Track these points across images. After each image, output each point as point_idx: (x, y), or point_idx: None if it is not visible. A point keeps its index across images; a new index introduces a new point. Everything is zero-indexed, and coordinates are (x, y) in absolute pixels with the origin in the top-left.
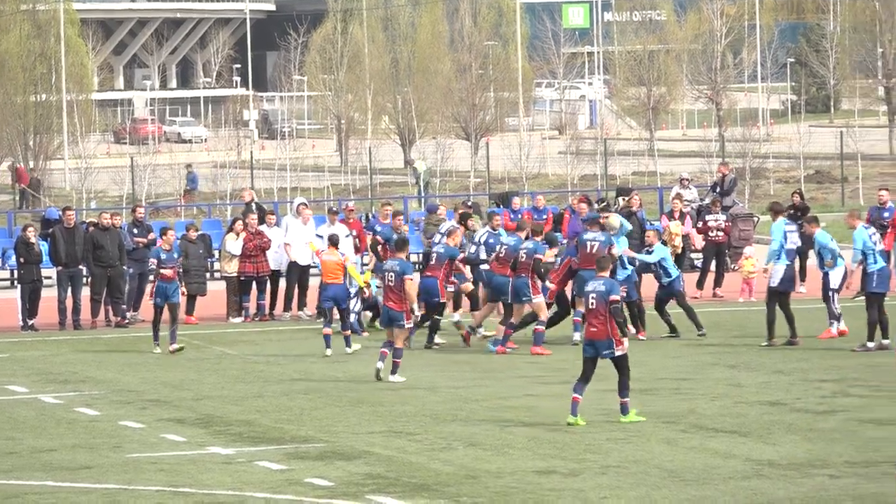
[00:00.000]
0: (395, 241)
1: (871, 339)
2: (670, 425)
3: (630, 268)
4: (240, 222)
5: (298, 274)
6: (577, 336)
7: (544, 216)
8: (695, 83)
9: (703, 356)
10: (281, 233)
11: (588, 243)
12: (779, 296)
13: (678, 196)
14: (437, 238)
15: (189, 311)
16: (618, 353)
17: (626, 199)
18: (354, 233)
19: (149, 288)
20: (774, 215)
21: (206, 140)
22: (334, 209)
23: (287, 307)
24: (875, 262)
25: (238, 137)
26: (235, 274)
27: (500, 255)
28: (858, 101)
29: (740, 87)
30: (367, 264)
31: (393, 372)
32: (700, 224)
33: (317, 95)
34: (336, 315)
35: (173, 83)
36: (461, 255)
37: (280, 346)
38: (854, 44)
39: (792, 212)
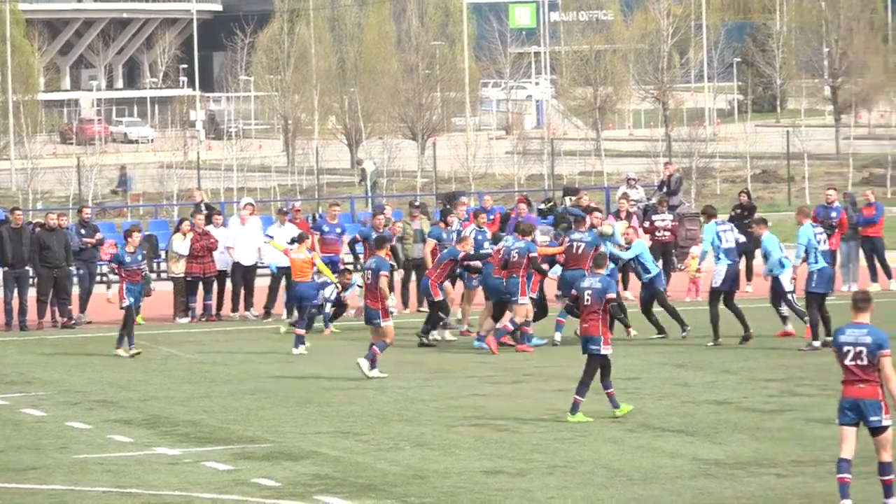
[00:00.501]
0: (374, 239)
1: (815, 338)
2: (617, 425)
3: (611, 265)
4: (187, 222)
5: (243, 274)
6: (557, 336)
7: (491, 216)
8: (641, 83)
9: (651, 356)
10: (227, 233)
11: (575, 244)
12: (723, 295)
13: (625, 196)
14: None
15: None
16: (603, 352)
17: (575, 198)
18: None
19: (113, 290)
20: (707, 218)
21: (152, 140)
22: (284, 209)
23: (234, 308)
24: (816, 262)
25: (185, 138)
26: (182, 274)
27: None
28: (804, 101)
29: (687, 86)
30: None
31: (371, 367)
32: (647, 224)
33: (263, 96)
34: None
35: (120, 83)
36: (462, 254)
37: (227, 346)
38: (800, 44)
39: (739, 211)
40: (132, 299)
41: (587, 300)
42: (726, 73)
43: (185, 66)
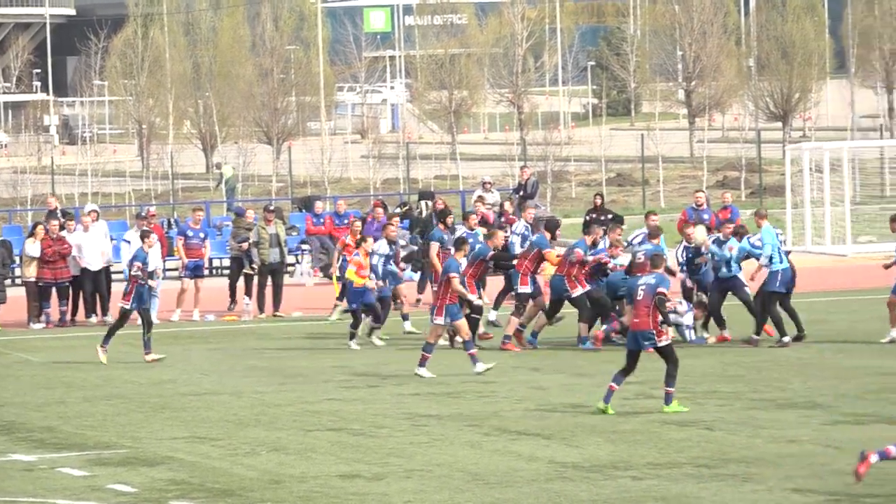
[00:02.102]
0: (454, 240)
1: (783, 333)
2: (474, 428)
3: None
4: (41, 226)
5: (92, 279)
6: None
7: (345, 221)
8: (496, 87)
9: (507, 359)
10: (77, 239)
11: (638, 253)
12: (781, 297)
13: (480, 199)
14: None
15: None
16: (660, 344)
17: (431, 203)
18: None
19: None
20: (761, 219)
21: (6, 146)
22: (143, 214)
23: (87, 314)
24: (781, 262)
25: (38, 143)
26: (34, 279)
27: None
28: (659, 105)
29: (541, 90)
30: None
31: (473, 363)
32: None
33: (118, 100)
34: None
35: None
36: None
37: (82, 352)
38: (654, 47)
39: (594, 215)
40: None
41: (640, 295)
42: (581, 76)
43: (39, 70)
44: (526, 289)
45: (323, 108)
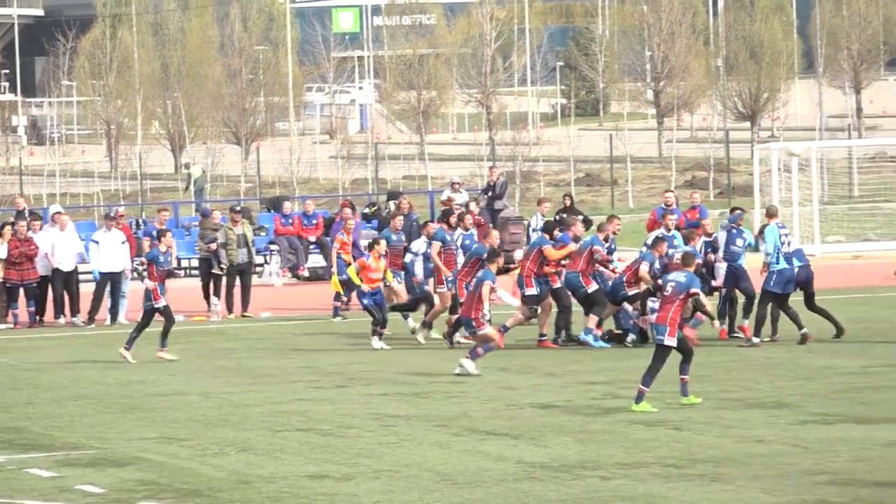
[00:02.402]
0: (487, 252)
1: (757, 334)
2: (443, 428)
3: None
4: (8, 227)
5: (63, 280)
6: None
7: (314, 221)
8: (465, 87)
9: (476, 359)
10: (45, 239)
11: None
12: (780, 298)
13: (449, 199)
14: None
15: None
16: (667, 342)
17: (397, 202)
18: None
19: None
20: (770, 218)
21: None
22: (111, 215)
23: (56, 314)
24: (777, 262)
25: (6, 143)
26: (1, 279)
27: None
28: (627, 105)
29: (510, 90)
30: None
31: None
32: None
33: (86, 101)
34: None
35: None
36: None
37: (51, 352)
38: (623, 47)
39: (563, 216)
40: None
41: (668, 290)
42: (549, 77)
43: (7, 70)
44: (532, 290)
45: (292, 108)
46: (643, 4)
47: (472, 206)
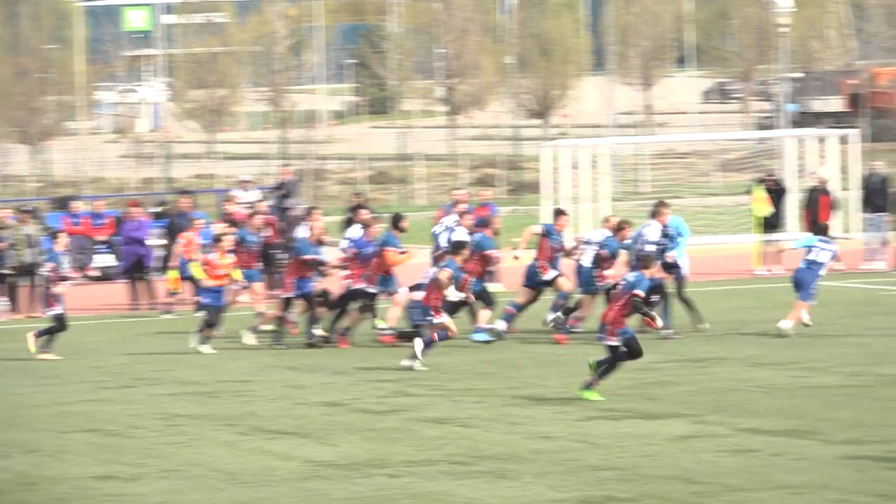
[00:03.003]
0: (451, 243)
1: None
2: (230, 427)
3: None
4: None
5: None
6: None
7: (103, 221)
8: (256, 85)
9: (264, 357)
10: None
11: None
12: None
13: (230, 198)
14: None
15: None
16: (607, 342)
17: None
18: None
19: None
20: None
21: None
22: None
23: None
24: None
25: None
26: None
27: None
28: (418, 102)
29: (302, 88)
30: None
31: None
32: None
33: None
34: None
35: None
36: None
37: None
38: (415, 45)
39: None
40: None
41: (618, 289)
42: (341, 74)
43: None
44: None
45: (82, 107)
46: (435, 2)
47: (263, 204)
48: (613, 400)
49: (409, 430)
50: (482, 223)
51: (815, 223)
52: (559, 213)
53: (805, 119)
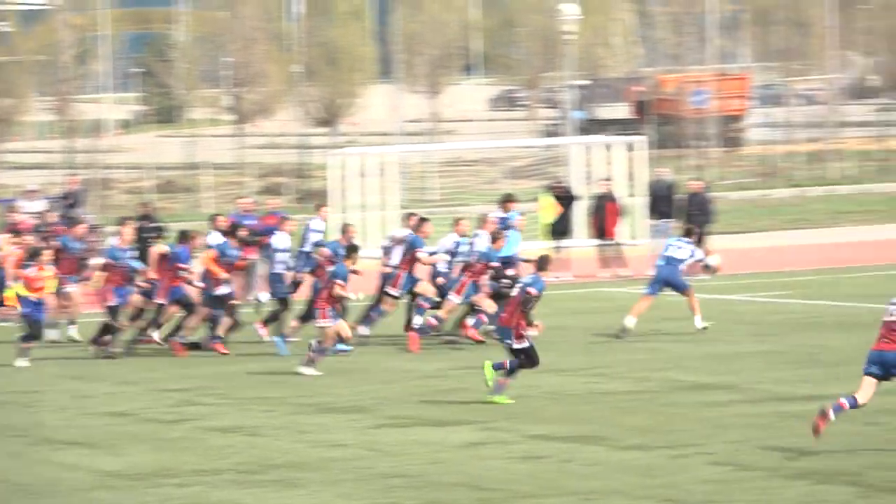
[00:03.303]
0: (345, 248)
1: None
2: (18, 438)
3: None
4: None
5: None
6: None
7: None
8: (42, 94)
9: (50, 367)
10: None
11: None
12: None
13: (14, 208)
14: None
15: None
16: (515, 346)
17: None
18: None
19: None
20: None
21: None
22: None
23: None
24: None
25: None
26: None
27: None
28: (205, 111)
29: (88, 97)
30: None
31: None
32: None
33: None
34: None
35: None
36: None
37: None
38: (201, 54)
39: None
40: None
41: (514, 292)
42: (128, 83)
43: None
44: (395, 292)
45: None
46: (221, 10)
47: (50, 215)
48: (403, 407)
49: (197, 439)
50: (265, 232)
51: (602, 230)
52: (423, 220)
53: (592, 126)
